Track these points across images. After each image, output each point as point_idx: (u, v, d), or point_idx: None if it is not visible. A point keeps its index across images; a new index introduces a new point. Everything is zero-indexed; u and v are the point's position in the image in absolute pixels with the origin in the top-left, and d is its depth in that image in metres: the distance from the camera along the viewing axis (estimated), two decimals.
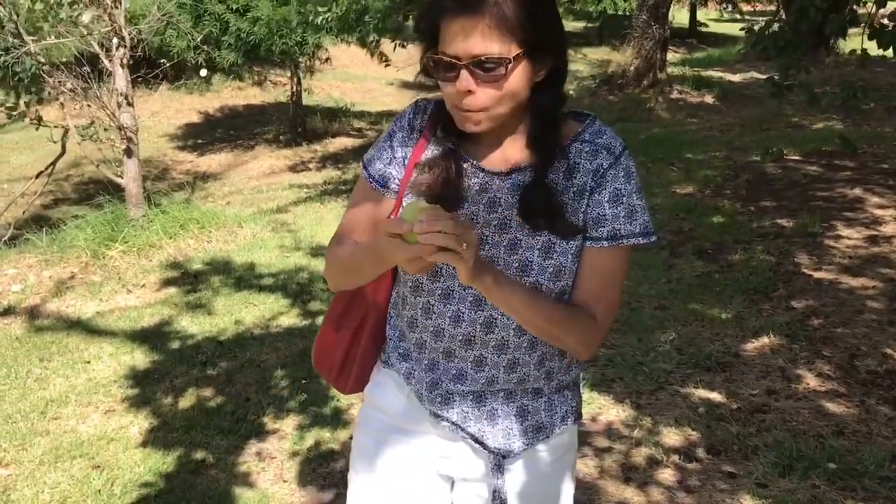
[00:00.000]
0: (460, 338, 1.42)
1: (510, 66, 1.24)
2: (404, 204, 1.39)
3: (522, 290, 1.33)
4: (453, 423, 1.47)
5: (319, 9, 9.15)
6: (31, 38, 6.37)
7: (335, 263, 1.50)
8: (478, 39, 1.22)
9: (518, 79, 1.27)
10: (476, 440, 1.47)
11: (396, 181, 1.45)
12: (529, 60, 1.27)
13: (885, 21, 4.17)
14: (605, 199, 1.35)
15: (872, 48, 4.49)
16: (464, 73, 1.25)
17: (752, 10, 24.55)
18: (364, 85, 16.44)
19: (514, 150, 1.39)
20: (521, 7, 1.24)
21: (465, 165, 1.40)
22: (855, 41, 5.70)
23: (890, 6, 4.68)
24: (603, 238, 1.35)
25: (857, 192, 6.49)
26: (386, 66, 9.73)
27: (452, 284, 1.40)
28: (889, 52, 4.24)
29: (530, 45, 1.25)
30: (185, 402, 3.81)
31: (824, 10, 4.45)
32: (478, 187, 1.39)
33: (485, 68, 1.24)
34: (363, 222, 1.49)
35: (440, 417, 1.47)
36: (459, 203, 1.38)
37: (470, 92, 1.26)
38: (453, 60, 1.25)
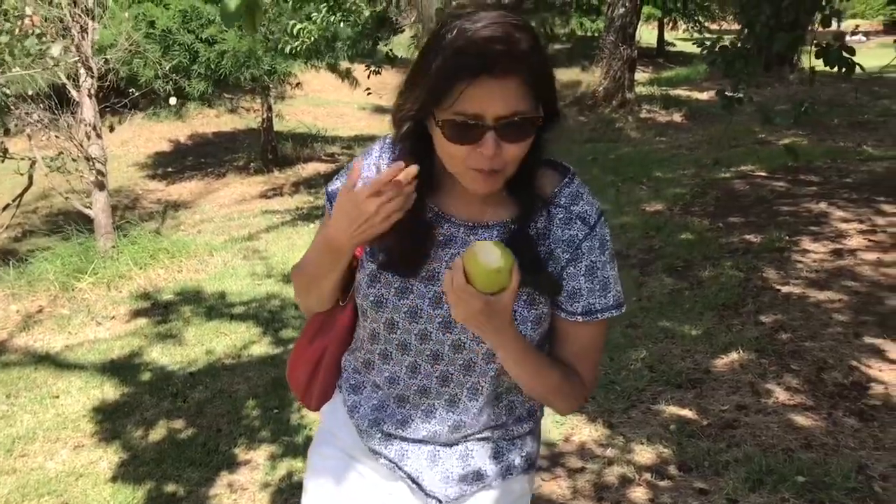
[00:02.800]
0: (415, 388, 1.39)
1: (540, 123, 1.20)
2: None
3: (530, 346, 1.29)
4: (390, 460, 1.44)
5: (289, 39, 9.20)
6: None
7: (298, 280, 1.47)
8: (511, 100, 1.15)
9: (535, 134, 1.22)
10: (413, 480, 1.43)
11: None
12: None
13: (832, 41, 4.27)
14: (581, 272, 1.32)
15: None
16: (490, 134, 1.16)
17: (718, 28, 25.02)
18: (336, 110, 16.48)
19: (490, 202, 1.32)
20: (545, 63, 1.20)
21: (430, 217, 1.34)
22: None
23: (847, 24, 4.79)
24: (578, 313, 1.33)
25: (822, 206, 6.59)
26: (368, 93, 9.77)
27: (409, 337, 1.36)
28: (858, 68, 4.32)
29: (548, 100, 1.22)
30: (156, 434, 3.77)
31: (770, 28, 4.56)
32: (447, 240, 1.33)
33: (516, 129, 1.17)
34: None
35: (378, 454, 1.44)
36: (425, 257, 1.32)
37: (496, 154, 1.17)
38: (478, 122, 1.16)
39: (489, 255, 1.15)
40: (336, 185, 1.42)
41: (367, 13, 10.18)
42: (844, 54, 4.25)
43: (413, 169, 1.19)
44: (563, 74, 18.56)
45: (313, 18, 9.36)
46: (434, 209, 1.34)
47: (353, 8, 9.85)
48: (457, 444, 1.43)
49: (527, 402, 1.45)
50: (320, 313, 1.54)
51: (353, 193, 1.22)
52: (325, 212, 1.45)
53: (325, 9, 9.40)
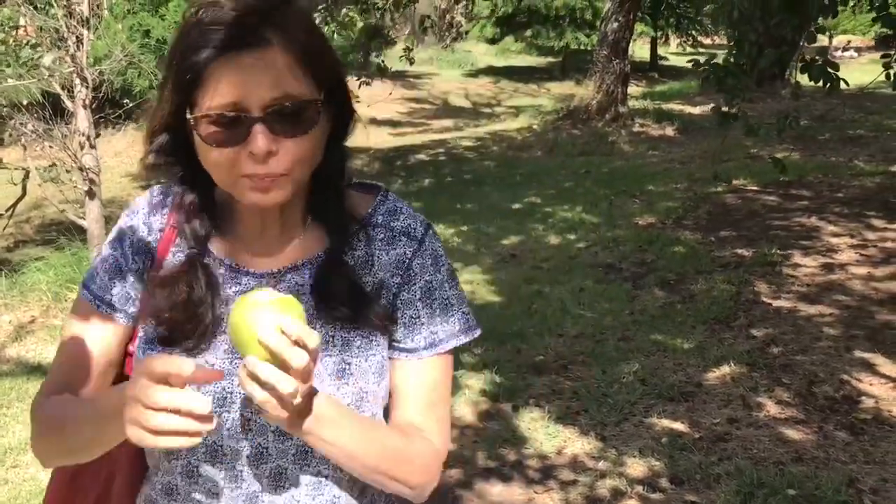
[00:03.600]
0: (243, 499, 1.05)
1: (320, 108, 0.97)
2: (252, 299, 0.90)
3: (351, 421, 1.00)
4: None
5: None
6: None
7: (49, 429, 1.07)
8: (278, 79, 0.92)
9: (323, 130, 0.99)
10: None
11: (133, 302, 1.09)
12: (328, 106, 1.00)
13: (816, 56, 4.34)
14: (417, 297, 1.09)
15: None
16: (258, 128, 0.92)
17: (711, 42, 25.19)
18: None
19: (294, 237, 1.08)
20: (316, 37, 1.00)
21: (221, 272, 1.07)
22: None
23: (839, 39, 4.85)
24: (421, 347, 1.09)
25: (814, 221, 6.64)
26: (357, 101, 9.77)
27: (219, 438, 1.03)
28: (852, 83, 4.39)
29: (330, 87, 0.99)
30: None
31: (759, 45, 4.63)
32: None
33: (292, 117, 0.93)
34: (87, 363, 1.08)
35: None
36: (211, 334, 1.04)
37: (270, 153, 0.93)
38: (240, 115, 0.92)
39: (260, 297, 0.88)
40: (94, 266, 1.11)
41: (360, 24, 10.22)
42: (829, 70, 4.30)
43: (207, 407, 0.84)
44: (557, 88, 18.70)
45: None
46: (224, 262, 1.07)
47: (346, 21, 9.89)
48: None
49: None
50: None
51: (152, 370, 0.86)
52: (81, 302, 1.10)
53: (319, 20, 9.44)
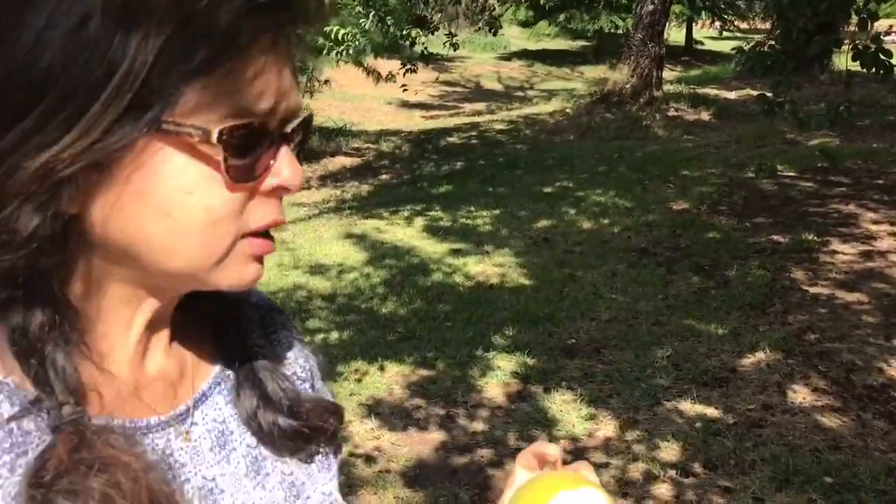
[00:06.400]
0: None
1: None
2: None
3: None
4: None
5: (333, 44, 9.23)
6: None
7: None
8: (293, 88, 0.59)
9: None
10: None
11: None
12: None
13: (869, 43, 4.25)
14: (321, 387, 0.80)
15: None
16: (286, 150, 0.59)
17: (748, 27, 24.78)
18: (363, 104, 16.53)
19: (180, 353, 0.69)
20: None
21: (113, 438, 0.55)
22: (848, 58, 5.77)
23: (880, 24, 4.75)
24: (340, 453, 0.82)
25: (852, 207, 6.53)
26: (404, 90, 9.78)
27: None
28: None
29: None
30: None
31: (808, 32, 4.53)
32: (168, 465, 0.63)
33: (303, 140, 0.63)
34: None
35: None
36: None
37: (287, 190, 0.60)
38: (265, 130, 0.57)
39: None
40: None
41: (394, 2, 10.15)
42: (881, 56, 4.22)
43: None
44: (590, 71, 18.53)
45: (361, 24, 9.34)
46: (103, 422, 0.58)
47: (383, 4, 9.85)
48: None
49: None
50: None
51: None
52: None
53: (360, 6, 9.40)
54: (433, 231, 6.96)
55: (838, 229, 5.98)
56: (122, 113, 0.51)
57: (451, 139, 13.07)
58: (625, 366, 4.04)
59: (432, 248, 6.41)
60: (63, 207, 0.53)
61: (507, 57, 22.63)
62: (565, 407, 3.66)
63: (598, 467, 3.19)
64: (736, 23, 23.62)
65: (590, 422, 3.53)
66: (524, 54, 22.71)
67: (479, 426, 3.54)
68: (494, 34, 12.62)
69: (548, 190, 8.39)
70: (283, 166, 0.59)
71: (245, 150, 0.56)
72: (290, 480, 0.72)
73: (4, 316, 0.55)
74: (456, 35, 10.01)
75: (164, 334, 0.66)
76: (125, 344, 0.62)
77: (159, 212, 0.54)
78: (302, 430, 0.71)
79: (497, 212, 7.50)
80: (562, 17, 21.01)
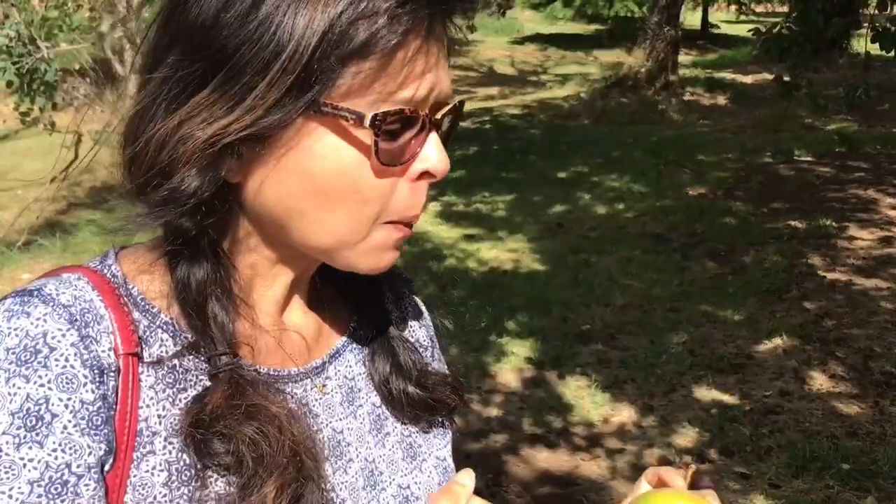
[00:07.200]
0: None
1: None
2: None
3: None
4: None
5: None
6: (46, 44, 6.43)
7: None
8: (445, 74, 0.62)
9: None
10: None
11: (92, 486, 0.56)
12: None
13: (888, 24, 4.18)
14: (438, 357, 0.87)
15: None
16: (434, 137, 0.62)
17: (765, 11, 24.51)
18: None
19: (318, 315, 0.75)
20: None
21: (263, 388, 0.63)
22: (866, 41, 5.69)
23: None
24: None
25: (871, 193, 6.46)
26: None
27: None
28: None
29: None
30: None
31: (826, 13, 4.46)
32: (302, 412, 0.68)
33: (452, 126, 0.67)
34: None
35: None
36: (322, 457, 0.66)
37: (433, 176, 0.63)
38: (418, 115, 0.60)
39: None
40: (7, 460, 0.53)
41: None
42: None
43: None
44: (605, 56, 18.38)
45: None
46: (259, 371, 0.66)
47: None
48: None
49: None
50: None
51: None
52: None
53: None
54: (446, 216, 6.93)
55: (857, 215, 5.92)
56: (285, 92, 0.55)
57: (464, 124, 13.00)
58: (640, 352, 4.01)
59: (446, 233, 6.39)
60: (225, 175, 0.59)
61: (521, 41, 22.48)
62: (580, 392, 3.65)
63: (614, 453, 3.18)
64: (752, 6, 23.38)
65: (605, 407, 3.52)
66: (538, 38, 22.56)
67: (493, 411, 3.53)
68: (503, 14, 12.48)
69: (562, 175, 8.35)
70: (431, 153, 0.62)
71: (395, 136, 0.59)
72: (408, 442, 0.77)
73: (172, 269, 0.63)
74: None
75: (303, 292, 0.73)
76: (270, 300, 0.69)
77: (313, 189, 0.60)
78: (427, 401, 0.76)
79: (511, 197, 7.47)
80: (577, 0, 20.86)
